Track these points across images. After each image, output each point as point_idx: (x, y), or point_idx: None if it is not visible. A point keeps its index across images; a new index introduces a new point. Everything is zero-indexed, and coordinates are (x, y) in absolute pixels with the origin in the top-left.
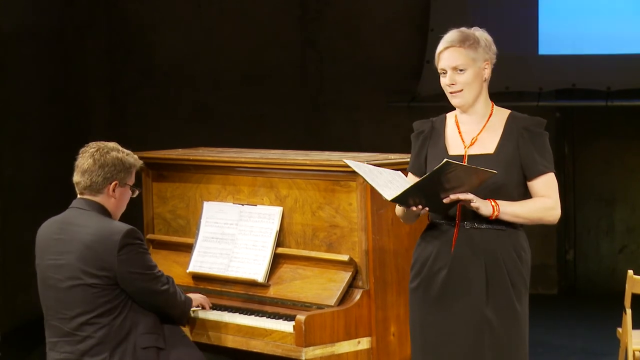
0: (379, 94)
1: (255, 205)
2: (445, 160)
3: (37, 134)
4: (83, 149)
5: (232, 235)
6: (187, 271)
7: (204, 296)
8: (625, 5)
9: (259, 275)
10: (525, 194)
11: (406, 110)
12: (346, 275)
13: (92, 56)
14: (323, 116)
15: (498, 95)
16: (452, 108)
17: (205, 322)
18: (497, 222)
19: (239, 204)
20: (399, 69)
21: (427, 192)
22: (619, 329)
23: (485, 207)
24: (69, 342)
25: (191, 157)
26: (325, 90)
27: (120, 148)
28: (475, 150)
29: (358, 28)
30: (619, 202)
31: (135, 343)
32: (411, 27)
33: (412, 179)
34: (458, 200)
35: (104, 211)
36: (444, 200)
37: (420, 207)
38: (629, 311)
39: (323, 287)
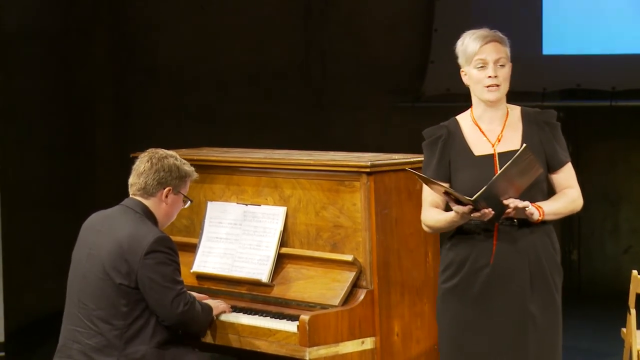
0: (383, 94)
1: (259, 205)
2: (524, 145)
3: (41, 134)
4: (142, 153)
5: (236, 235)
6: (191, 271)
7: (222, 302)
8: (630, 5)
9: (263, 275)
10: (550, 188)
11: (411, 110)
12: (350, 275)
13: (96, 56)
14: (327, 116)
15: None
16: (458, 110)
17: None
18: None
19: (243, 204)
20: (403, 69)
21: (494, 192)
22: (624, 329)
23: (535, 212)
24: (82, 333)
25: (195, 157)
26: (329, 90)
27: (178, 156)
28: (502, 148)
29: (362, 28)
30: (624, 202)
31: (145, 354)
32: (415, 27)
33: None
34: (514, 207)
35: (150, 215)
36: (506, 203)
37: (489, 209)
38: (633, 311)
39: (327, 287)
